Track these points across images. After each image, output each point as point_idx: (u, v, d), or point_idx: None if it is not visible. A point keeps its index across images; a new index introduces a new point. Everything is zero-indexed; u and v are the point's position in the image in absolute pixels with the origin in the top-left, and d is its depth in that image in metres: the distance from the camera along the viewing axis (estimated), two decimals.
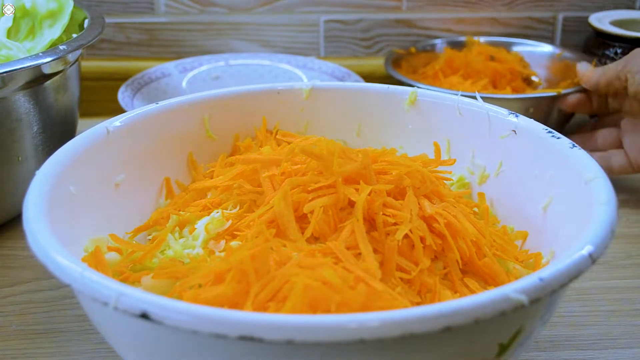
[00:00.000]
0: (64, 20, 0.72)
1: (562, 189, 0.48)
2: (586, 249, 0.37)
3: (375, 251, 0.42)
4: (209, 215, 0.49)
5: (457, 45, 1.08)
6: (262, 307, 0.37)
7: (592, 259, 0.36)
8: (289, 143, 0.61)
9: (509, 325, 0.36)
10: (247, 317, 0.32)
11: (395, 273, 0.41)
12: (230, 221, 0.47)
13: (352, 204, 0.44)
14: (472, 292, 0.43)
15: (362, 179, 0.45)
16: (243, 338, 0.31)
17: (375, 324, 0.31)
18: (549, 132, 0.51)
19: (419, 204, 0.45)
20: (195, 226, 0.48)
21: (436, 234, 0.44)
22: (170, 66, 0.96)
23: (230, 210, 0.50)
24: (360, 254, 0.41)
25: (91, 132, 0.51)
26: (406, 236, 0.43)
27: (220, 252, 0.45)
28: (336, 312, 0.35)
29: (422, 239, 0.43)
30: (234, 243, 0.45)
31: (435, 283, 0.42)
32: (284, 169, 0.48)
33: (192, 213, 0.51)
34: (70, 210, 0.46)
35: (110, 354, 0.51)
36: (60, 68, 0.65)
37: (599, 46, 1.02)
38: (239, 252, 0.40)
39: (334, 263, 0.40)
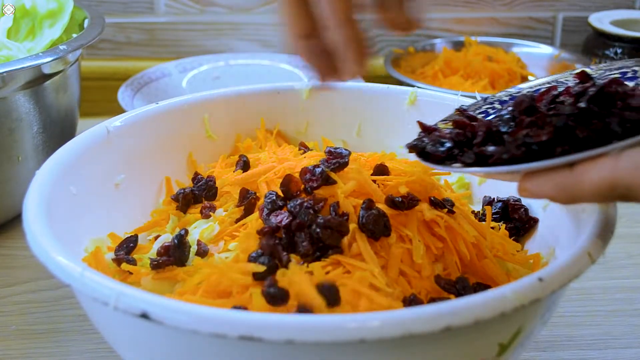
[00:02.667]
0: (64, 20, 0.72)
1: None
2: (586, 249, 0.37)
3: (378, 256, 0.42)
4: (208, 217, 0.50)
5: (456, 46, 1.08)
6: None
7: (592, 259, 0.36)
8: (288, 143, 0.61)
9: (509, 325, 0.36)
10: (247, 317, 0.32)
11: (398, 278, 0.41)
12: (218, 228, 0.47)
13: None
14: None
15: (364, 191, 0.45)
16: (243, 338, 0.31)
17: (376, 323, 0.31)
18: None
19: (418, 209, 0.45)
20: (190, 232, 0.48)
21: (437, 237, 0.44)
22: (170, 66, 0.96)
23: (231, 209, 0.49)
24: (360, 254, 0.41)
25: (91, 132, 0.51)
26: (407, 240, 0.43)
27: (219, 253, 0.45)
28: None
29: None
30: (232, 245, 0.45)
31: (435, 286, 0.42)
32: (280, 173, 0.48)
33: (191, 214, 0.51)
34: (70, 210, 0.46)
35: (110, 354, 0.51)
36: (60, 68, 0.65)
37: (599, 46, 1.02)
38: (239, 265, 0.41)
39: (332, 268, 0.40)
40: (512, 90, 0.48)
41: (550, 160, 0.34)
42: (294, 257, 0.41)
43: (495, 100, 0.47)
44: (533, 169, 0.35)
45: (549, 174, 0.34)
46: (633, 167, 0.31)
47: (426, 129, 0.44)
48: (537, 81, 0.47)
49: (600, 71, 0.44)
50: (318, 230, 0.41)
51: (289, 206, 0.44)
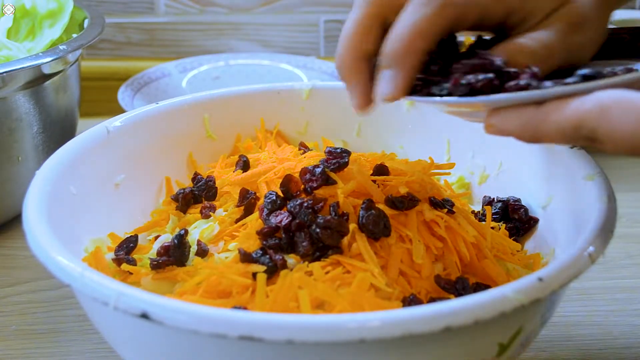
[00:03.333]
0: (64, 20, 0.72)
1: (562, 188, 0.48)
2: (586, 249, 0.37)
3: (378, 257, 0.42)
4: (207, 217, 0.50)
5: None
6: None
7: (592, 259, 0.36)
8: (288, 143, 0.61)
9: (509, 325, 0.36)
10: (247, 317, 0.32)
11: (398, 278, 0.41)
12: (218, 228, 0.47)
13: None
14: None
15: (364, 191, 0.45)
16: (243, 338, 0.31)
17: (376, 323, 0.31)
18: None
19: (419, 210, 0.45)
20: (190, 232, 0.48)
21: (437, 237, 0.44)
22: (170, 66, 0.96)
23: (231, 209, 0.49)
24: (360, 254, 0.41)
25: (91, 132, 0.51)
26: (407, 240, 0.43)
27: (219, 253, 0.45)
28: None
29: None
30: (232, 245, 0.45)
31: (435, 286, 0.42)
32: (280, 173, 0.49)
33: (191, 214, 0.51)
34: (70, 210, 0.46)
35: (110, 354, 0.51)
36: (60, 68, 0.65)
37: None
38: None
39: (332, 268, 0.40)
40: None
41: (519, 93, 0.33)
42: (294, 257, 0.41)
43: None
44: (501, 102, 0.34)
45: (516, 110, 0.34)
46: (598, 109, 0.31)
47: None
48: None
49: None
50: (318, 230, 0.41)
51: (288, 206, 0.44)
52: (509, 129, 0.34)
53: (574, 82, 0.33)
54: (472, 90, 0.36)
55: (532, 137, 0.34)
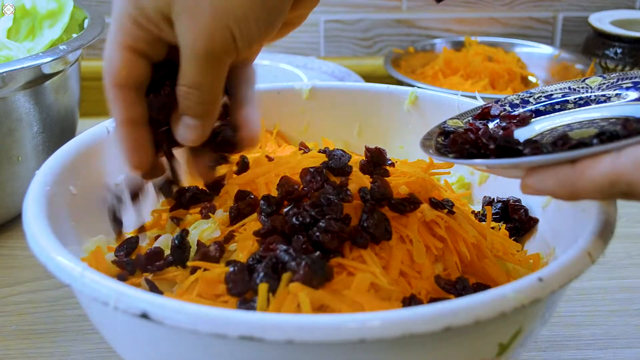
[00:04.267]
0: (64, 20, 0.72)
1: None
2: (586, 249, 0.37)
3: (378, 257, 0.42)
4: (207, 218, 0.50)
5: (456, 46, 1.08)
6: None
7: (592, 259, 0.36)
8: (288, 143, 0.61)
9: (509, 325, 0.36)
10: (247, 317, 0.32)
11: (398, 279, 0.41)
12: (218, 231, 0.47)
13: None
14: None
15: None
16: (243, 338, 0.31)
17: (376, 323, 0.31)
18: None
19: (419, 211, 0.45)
20: (191, 232, 0.48)
21: (437, 237, 0.44)
22: None
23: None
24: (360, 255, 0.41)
25: (91, 132, 0.51)
26: (407, 240, 0.43)
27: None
28: None
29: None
30: (232, 245, 0.45)
31: (435, 286, 0.42)
32: (278, 171, 0.48)
33: (191, 215, 0.51)
34: (70, 210, 0.46)
35: (110, 354, 0.51)
36: (60, 68, 0.65)
37: (599, 46, 1.02)
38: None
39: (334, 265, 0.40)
40: (523, 93, 0.48)
41: (553, 154, 0.34)
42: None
43: (506, 103, 0.48)
44: (536, 163, 0.35)
45: (551, 170, 0.35)
46: (633, 164, 0.32)
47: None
48: (549, 87, 0.48)
49: (613, 80, 0.45)
50: (318, 234, 0.41)
51: (287, 208, 0.43)
52: (546, 189, 0.35)
53: (602, 141, 0.34)
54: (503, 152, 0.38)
55: (569, 195, 0.34)
